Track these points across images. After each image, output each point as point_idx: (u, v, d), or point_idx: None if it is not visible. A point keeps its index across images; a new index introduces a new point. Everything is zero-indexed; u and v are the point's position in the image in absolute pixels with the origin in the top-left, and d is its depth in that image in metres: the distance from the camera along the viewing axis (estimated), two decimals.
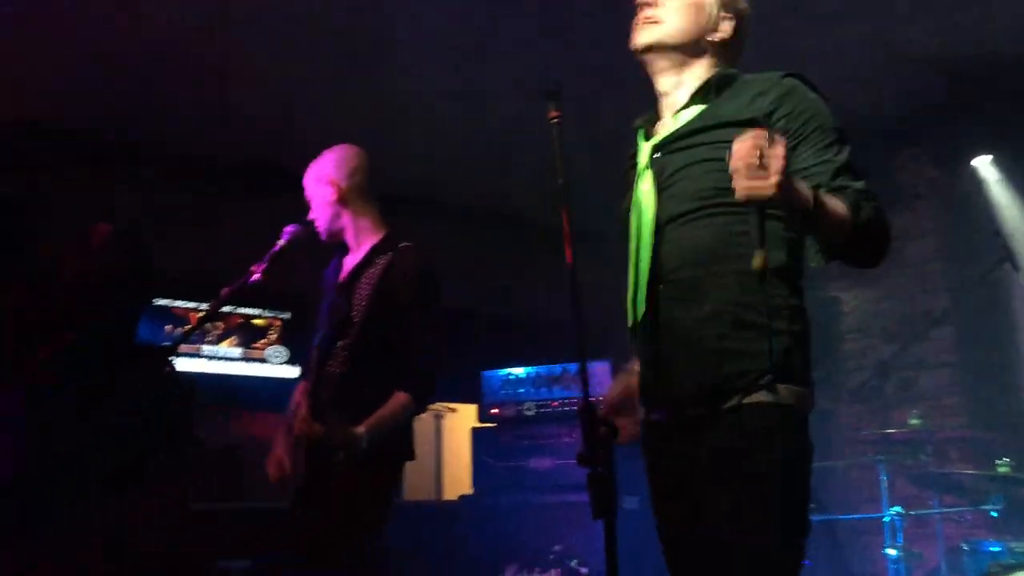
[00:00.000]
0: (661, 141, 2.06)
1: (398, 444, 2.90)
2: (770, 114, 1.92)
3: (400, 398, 2.80)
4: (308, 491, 2.85)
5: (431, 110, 5.41)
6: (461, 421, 6.01)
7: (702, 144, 1.97)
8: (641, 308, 1.98)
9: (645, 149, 2.08)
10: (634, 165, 2.13)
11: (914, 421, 4.27)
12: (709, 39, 2.08)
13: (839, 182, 1.87)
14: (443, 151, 6.04)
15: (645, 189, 2.04)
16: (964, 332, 5.78)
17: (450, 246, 6.62)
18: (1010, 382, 5.60)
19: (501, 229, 7.33)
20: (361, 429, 2.71)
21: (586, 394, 1.90)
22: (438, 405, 6.10)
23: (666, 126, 2.10)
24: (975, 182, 5.64)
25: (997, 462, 3.97)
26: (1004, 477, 3.85)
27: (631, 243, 2.05)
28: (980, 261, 4.94)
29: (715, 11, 2.08)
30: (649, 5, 2.07)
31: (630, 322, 2.05)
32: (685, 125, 2.04)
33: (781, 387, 1.86)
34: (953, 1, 4.48)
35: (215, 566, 4.65)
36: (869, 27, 4.67)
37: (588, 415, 1.84)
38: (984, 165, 5.59)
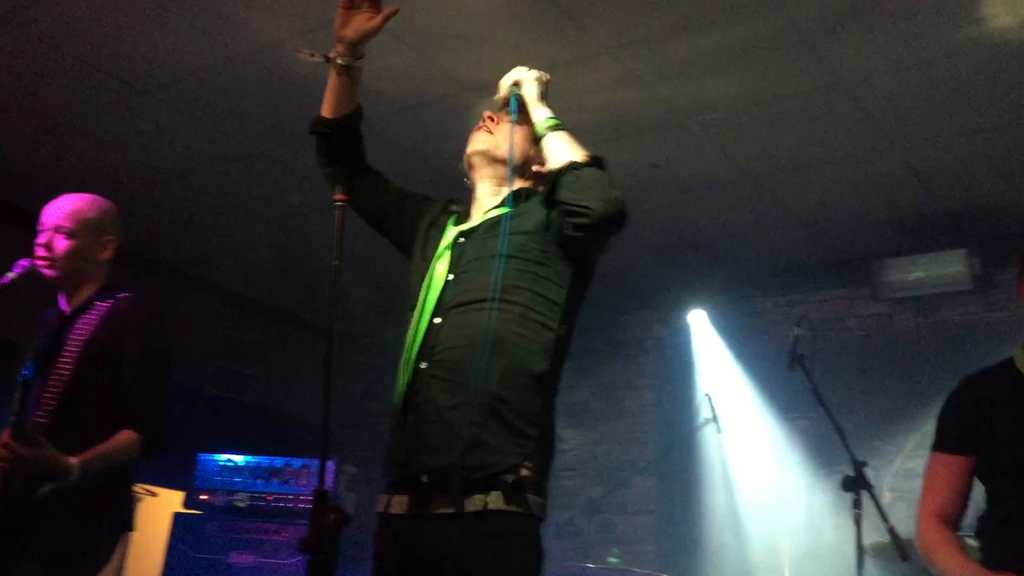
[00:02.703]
0: (467, 230, 2.21)
1: (119, 513, 2.72)
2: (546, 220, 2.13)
3: (125, 435, 2.62)
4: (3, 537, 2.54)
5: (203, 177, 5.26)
6: (160, 506, 5.61)
7: (499, 240, 2.12)
8: (402, 383, 2.03)
9: (451, 232, 2.22)
10: (434, 225, 2.30)
11: (612, 559, 4.49)
12: (534, 168, 2.30)
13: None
14: (208, 220, 5.86)
15: (440, 269, 2.15)
16: (666, 483, 6.20)
17: (192, 320, 6.38)
18: (700, 536, 6.04)
19: (251, 312, 7.14)
20: (74, 460, 2.49)
21: (322, 480, 1.87)
22: (137, 487, 5.66)
23: (474, 219, 2.26)
24: (691, 344, 6.21)
25: None
26: None
27: (415, 317, 2.12)
28: (690, 417, 5.39)
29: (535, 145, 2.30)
30: (491, 120, 2.31)
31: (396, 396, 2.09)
32: (489, 220, 2.20)
33: (528, 495, 1.94)
34: (708, 190, 5.03)
35: None
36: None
37: (320, 500, 1.80)
38: (699, 328, 6.19)
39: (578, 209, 2.03)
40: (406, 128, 4.54)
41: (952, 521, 2.36)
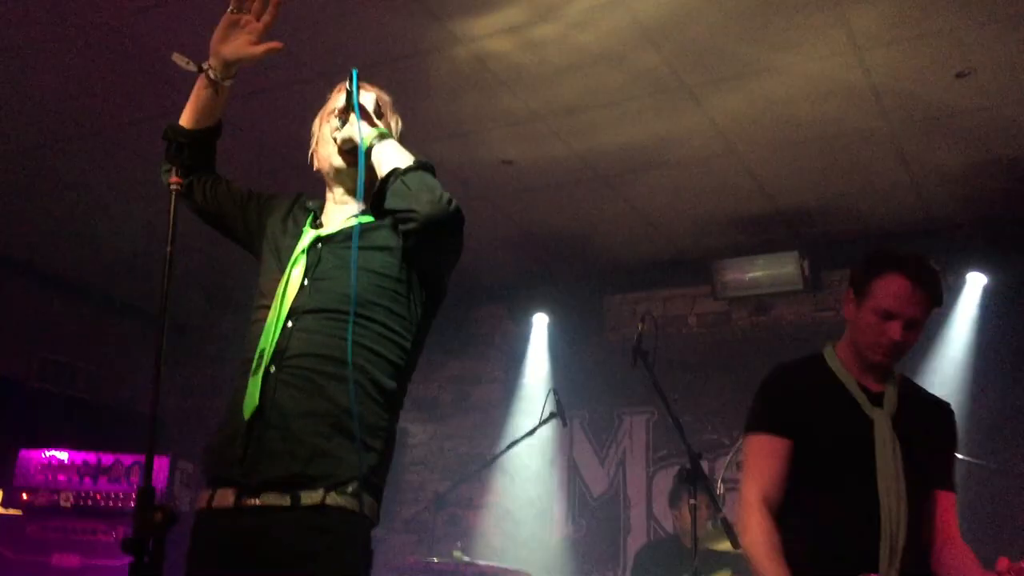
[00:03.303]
0: (326, 235, 2.14)
1: None
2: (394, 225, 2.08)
3: None
4: None
5: None
6: None
7: (361, 250, 2.08)
8: (254, 388, 1.99)
9: (308, 235, 2.15)
10: (289, 218, 2.24)
11: (457, 554, 4.50)
12: None
13: None
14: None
15: (296, 273, 2.10)
16: (511, 477, 6.26)
17: (14, 309, 5.99)
18: (544, 529, 6.12)
19: (81, 301, 6.73)
20: None
21: (148, 477, 1.78)
22: None
23: (333, 221, 2.19)
24: (536, 337, 6.30)
25: None
26: None
27: (269, 318, 2.06)
28: (536, 412, 5.44)
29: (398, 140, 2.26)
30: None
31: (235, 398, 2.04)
32: (349, 228, 2.13)
33: (365, 497, 1.95)
34: (558, 188, 5.10)
35: None
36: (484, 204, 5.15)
37: (146, 498, 1.72)
38: (540, 325, 6.29)
39: (404, 214, 2.02)
40: (249, 114, 4.40)
41: (774, 505, 2.41)
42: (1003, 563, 2.17)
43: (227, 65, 2.19)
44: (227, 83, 2.21)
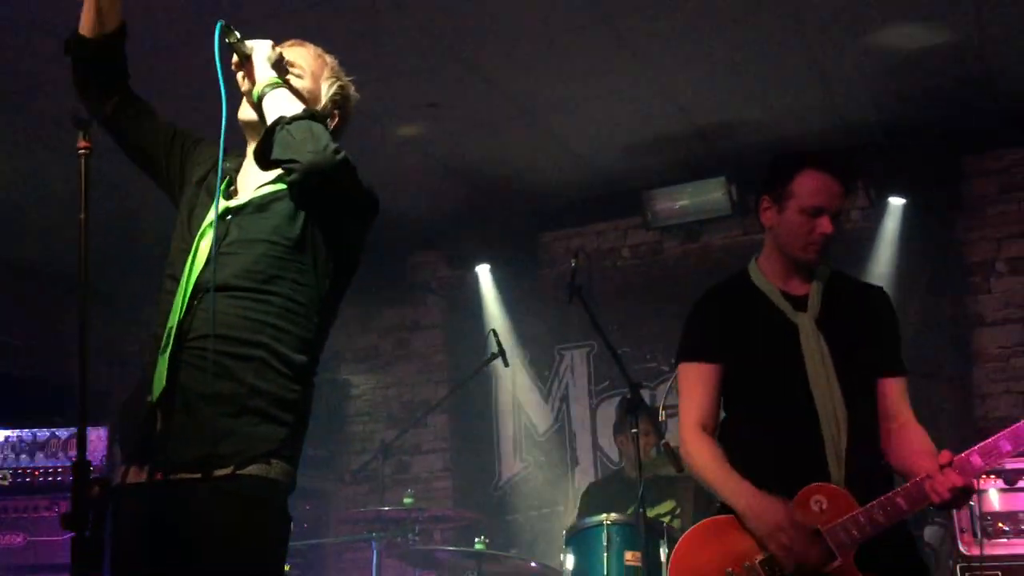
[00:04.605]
0: (235, 207, 2.08)
1: None
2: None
3: None
4: None
5: None
6: None
7: (267, 223, 2.05)
8: (162, 368, 1.96)
9: (220, 205, 2.09)
10: (204, 183, 2.16)
11: (407, 500, 4.52)
12: None
13: None
14: None
15: (204, 246, 2.05)
16: (457, 421, 6.30)
17: None
18: (492, 470, 6.19)
19: (8, 276, 6.50)
20: None
21: (83, 451, 1.76)
22: None
23: (247, 185, 2.14)
24: (477, 285, 6.27)
25: (476, 540, 4.34)
26: (479, 553, 4.21)
27: (177, 295, 2.02)
28: (477, 355, 5.47)
29: (328, 105, 2.22)
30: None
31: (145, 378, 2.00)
32: (259, 199, 2.09)
33: (275, 462, 1.95)
34: (484, 128, 5.05)
35: None
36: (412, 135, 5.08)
37: (81, 472, 1.69)
38: (484, 272, 6.26)
39: (287, 164, 1.96)
40: (171, 70, 4.25)
41: (712, 429, 2.48)
42: (945, 455, 2.24)
43: None
44: None
